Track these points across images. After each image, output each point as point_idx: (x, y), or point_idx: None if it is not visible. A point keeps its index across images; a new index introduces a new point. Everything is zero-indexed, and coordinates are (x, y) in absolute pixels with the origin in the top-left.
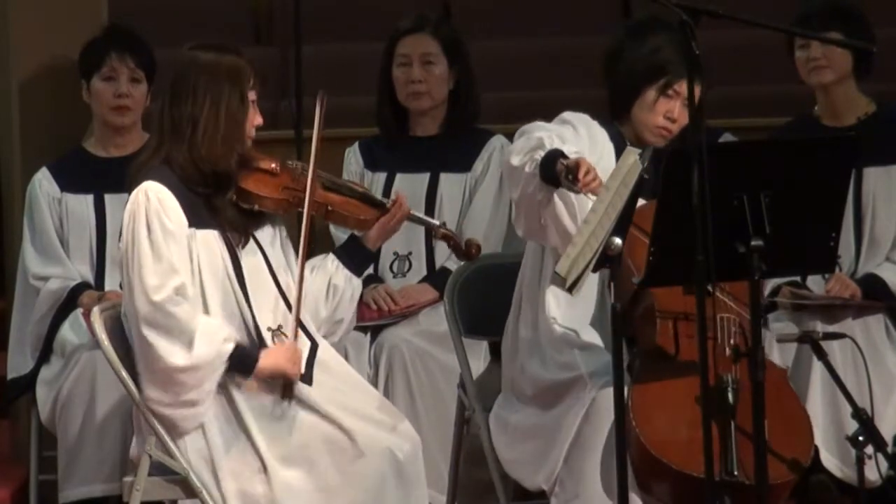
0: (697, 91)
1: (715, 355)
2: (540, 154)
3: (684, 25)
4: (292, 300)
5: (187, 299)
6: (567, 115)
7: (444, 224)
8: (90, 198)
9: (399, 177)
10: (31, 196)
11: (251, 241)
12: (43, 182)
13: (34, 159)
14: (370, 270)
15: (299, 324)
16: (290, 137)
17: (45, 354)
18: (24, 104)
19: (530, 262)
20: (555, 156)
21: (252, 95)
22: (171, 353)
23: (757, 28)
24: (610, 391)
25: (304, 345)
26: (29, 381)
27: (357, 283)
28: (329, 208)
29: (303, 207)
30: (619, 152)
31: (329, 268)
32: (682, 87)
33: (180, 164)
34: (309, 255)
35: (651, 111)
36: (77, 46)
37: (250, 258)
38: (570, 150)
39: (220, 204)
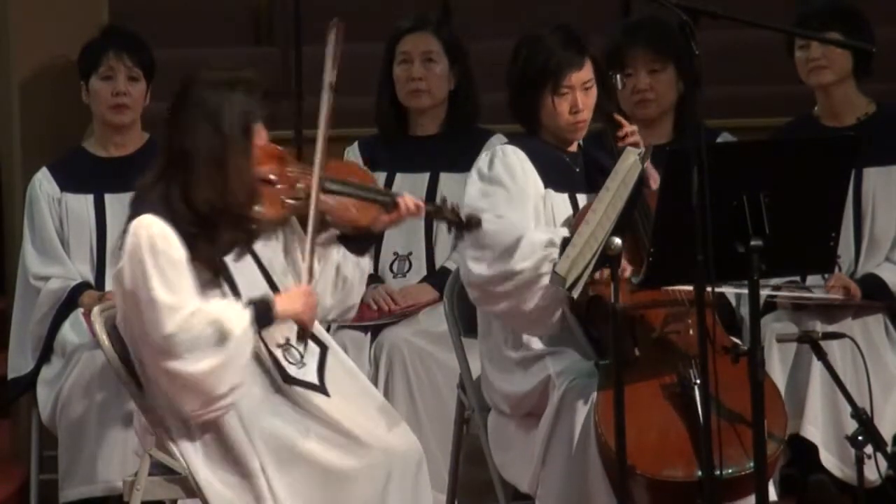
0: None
1: (673, 351)
2: (552, 253)
3: (684, 25)
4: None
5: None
6: (496, 173)
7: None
8: (90, 198)
9: (399, 176)
10: (31, 196)
11: (247, 257)
12: (43, 182)
13: (34, 159)
14: (370, 270)
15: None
16: (290, 137)
17: (45, 354)
18: (24, 104)
19: None
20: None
21: (263, 137)
22: (199, 362)
23: (757, 28)
24: (576, 389)
25: (312, 354)
26: (29, 380)
27: (365, 263)
28: (327, 218)
29: (302, 214)
30: (545, 163)
31: (336, 258)
32: (571, 78)
33: (176, 203)
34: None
35: (556, 114)
36: (77, 46)
37: (247, 274)
38: (561, 233)
39: (217, 243)
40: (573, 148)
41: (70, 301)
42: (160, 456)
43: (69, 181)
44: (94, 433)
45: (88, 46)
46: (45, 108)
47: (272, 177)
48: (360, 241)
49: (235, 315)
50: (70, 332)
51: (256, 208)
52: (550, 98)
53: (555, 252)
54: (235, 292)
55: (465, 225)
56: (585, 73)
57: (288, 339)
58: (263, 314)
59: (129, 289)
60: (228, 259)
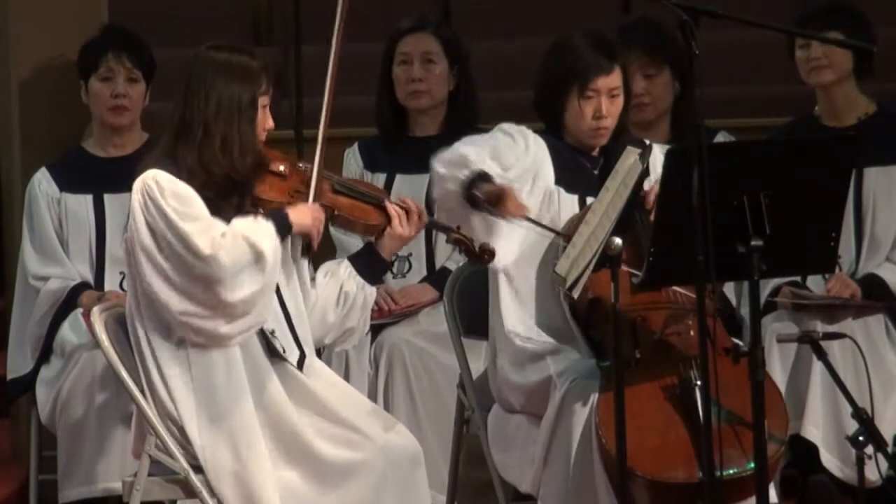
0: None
1: (674, 352)
2: (465, 173)
3: (684, 25)
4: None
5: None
6: (505, 126)
7: (458, 228)
8: (89, 198)
9: (399, 178)
10: (31, 196)
11: None
12: (42, 182)
13: (34, 159)
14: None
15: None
16: (290, 137)
17: (44, 354)
18: (24, 104)
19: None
20: (480, 179)
21: (264, 100)
22: (243, 286)
23: (757, 28)
24: (578, 390)
25: (293, 353)
26: (29, 381)
27: (370, 290)
28: (335, 212)
29: None
30: (563, 162)
31: (342, 274)
32: (598, 82)
33: (188, 165)
34: (319, 256)
35: (579, 116)
36: (77, 46)
37: None
38: (496, 173)
39: (225, 208)
40: (595, 151)
41: (69, 301)
42: (160, 456)
43: (68, 181)
44: (93, 434)
45: (88, 46)
46: (45, 108)
47: (282, 168)
48: (374, 266)
49: (264, 230)
50: (69, 332)
51: (268, 198)
52: (576, 101)
53: (465, 172)
54: None
55: (478, 254)
56: (613, 79)
57: (273, 331)
58: (282, 224)
59: (155, 236)
60: None
